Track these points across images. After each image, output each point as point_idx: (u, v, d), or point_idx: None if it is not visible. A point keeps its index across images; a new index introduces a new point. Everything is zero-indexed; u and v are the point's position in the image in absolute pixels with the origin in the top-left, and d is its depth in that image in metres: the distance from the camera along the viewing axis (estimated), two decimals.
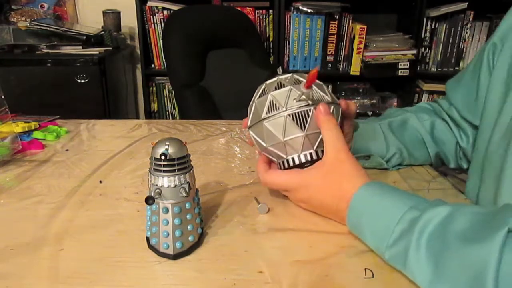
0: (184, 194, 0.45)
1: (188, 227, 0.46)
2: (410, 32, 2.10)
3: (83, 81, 1.89)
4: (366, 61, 2.11)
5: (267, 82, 0.54)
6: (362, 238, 0.47)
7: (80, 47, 1.95)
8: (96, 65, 1.88)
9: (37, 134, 0.85)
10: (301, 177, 0.52)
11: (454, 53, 2.18)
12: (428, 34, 2.14)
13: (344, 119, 0.58)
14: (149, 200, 0.44)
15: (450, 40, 2.16)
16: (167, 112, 2.33)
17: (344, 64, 2.20)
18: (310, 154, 0.53)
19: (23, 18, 2.17)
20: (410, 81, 2.21)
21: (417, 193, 0.56)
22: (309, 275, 0.43)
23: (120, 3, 2.18)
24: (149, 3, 2.10)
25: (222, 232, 0.51)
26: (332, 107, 0.53)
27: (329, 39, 2.15)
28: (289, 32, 2.15)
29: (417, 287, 0.40)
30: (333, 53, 2.18)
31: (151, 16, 2.12)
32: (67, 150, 0.80)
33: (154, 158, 0.45)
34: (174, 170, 0.44)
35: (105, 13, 2.12)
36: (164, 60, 2.09)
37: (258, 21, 2.15)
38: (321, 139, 0.52)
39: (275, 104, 0.51)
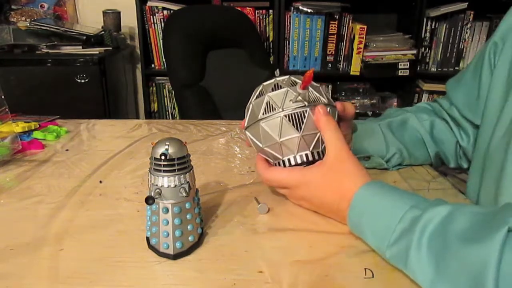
0: (184, 194, 0.45)
1: (188, 227, 0.46)
2: (410, 32, 2.10)
3: (83, 81, 1.89)
4: (366, 61, 2.11)
5: (264, 83, 0.55)
6: (363, 237, 0.47)
7: (80, 47, 1.95)
8: (96, 65, 1.88)
9: (37, 134, 0.85)
10: (302, 174, 0.52)
11: (454, 53, 2.18)
12: (428, 34, 2.14)
13: (341, 121, 0.59)
14: (149, 200, 0.44)
15: (450, 40, 2.16)
16: (167, 112, 2.33)
17: (344, 64, 2.20)
18: (306, 155, 0.53)
19: (23, 18, 2.17)
20: (410, 81, 2.21)
21: (417, 193, 0.56)
22: (309, 275, 0.43)
23: (120, 3, 2.18)
24: (149, 3, 2.10)
25: (222, 232, 0.51)
26: (328, 108, 0.53)
27: (329, 39, 2.15)
28: (289, 32, 2.15)
29: (417, 287, 0.40)
30: (333, 53, 2.18)
31: (151, 16, 2.12)
32: (67, 150, 0.80)
33: (154, 158, 0.45)
34: (174, 170, 0.44)
35: (105, 13, 2.12)
36: (164, 60, 2.09)
37: (258, 21, 2.15)
38: (317, 140, 0.53)
39: (272, 105, 0.52)
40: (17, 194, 0.61)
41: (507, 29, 0.60)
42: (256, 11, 2.13)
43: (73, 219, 0.54)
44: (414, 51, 2.09)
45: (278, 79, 0.54)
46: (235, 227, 0.52)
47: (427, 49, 2.18)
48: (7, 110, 0.75)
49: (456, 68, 2.21)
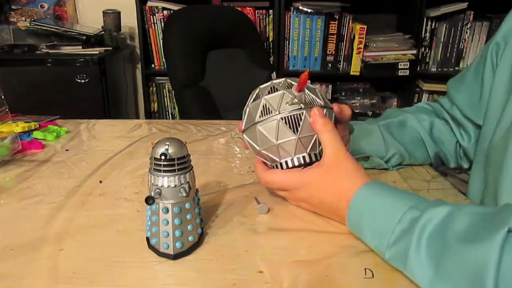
0: (184, 194, 0.45)
1: (188, 227, 0.46)
2: (410, 32, 2.10)
3: (83, 81, 1.89)
4: (366, 61, 2.11)
5: (261, 86, 0.55)
6: (362, 237, 0.47)
7: (80, 47, 1.95)
8: (96, 65, 1.88)
9: (37, 134, 0.85)
10: (301, 176, 0.52)
11: (454, 53, 2.18)
12: (428, 34, 2.14)
13: (338, 123, 0.59)
14: (149, 200, 0.44)
15: (450, 40, 2.16)
16: (167, 112, 2.33)
17: (344, 64, 2.20)
18: (303, 157, 0.53)
19: (23, 18, 2.17)
20: (410, 81, 2.21)
21: (417, 193, 0.56)
22: (309, 275, 0.43)
23: (120, 3, 2.18)
24: (149, 3, 2.10)
25: (222, 232, 0.51)
26: (325, 110, 0.53)
27: (329, 39, 2.15)
28: (289, 32, 2.15)
29: (417, 287, 0.40)
30: (333, 53, 2.18)
31: (151, 16, 2.12)
32: (67, 150, 0.80)
33: (154, 158, 0.45)
34: (174, 170, 0.44)
35: (105, 13, 2.12)
36: (164, 60, 2.09)
37: (258, 21, 2.15)
38: (314, 142, 0.53)
39: (268, 108, 0.52)
40: (17, 194, 0.61)
41: (509, 30, 0.60)
42: (256, 11, 2.13)
43: (73, 219, 0.54)
44: (414, 51, 2.09)
45: (274, 81, 0.54)
46: (235, 227, 0.52)
47: (427, 49, 2.18)
48: (7, 110, 0.75)
49: (456, 68, 2.21)
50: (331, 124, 0.52)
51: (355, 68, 2.16)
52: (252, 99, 0.55)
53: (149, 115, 2.31)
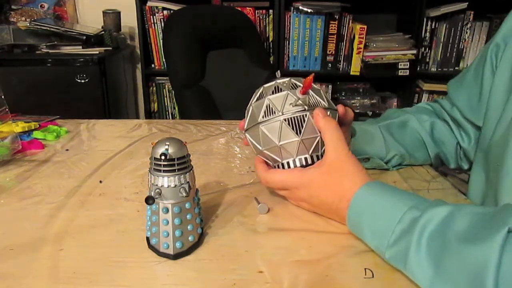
0: (184, 194, 0.45)
1: (188, 227, 0.46)
2: (410, 32, 2.10)
3: (83, 81, 1.89)
4: (366, 61, 2.11)
5: (265, 85, 0.55)
6: (362, 237, 0.47)
7: (80, 47, 1.94)
8: (96, 65, 1.88)
9: (37, 134, 0.85)
10: (302, 176, 0.52)
11: (454, 53, 2.18)
12: (428, 34, 2.14)
13: (340, 125, 0.58)
14: (149, 200, 0.44)
15: (450, 40, 2.16)
16: (167, 112, 2.33)
17: (344, 64, 2.20)
18: (305, 158, 0.53)
19: (23, 18, 2.17)
20: (410, 81, 2.20)
21: (417, 193, 0.56)
22: (309, 275, 0.43)
23: (120, 3, 2.18)
24: (149, 3, 2.10)
25: (222, 232, 0.51)
26: (328, 112, 0.53)
27: (329, 39, 2.15)
28: (289, 32, 2.15)
29: (417, 287, 0.40)
30: (333, 53, 2.18)
31: (151, 16, 2.12)
32: (67, 150, 0.80)
33: (154, 158, 0.45)
34: (174, 170, 0.44)
35: (105, 13, 2.12)
36: (164, 60, 2.09)
37: (258, 21, 2.15)
38: (317, 144, 0.53)
39: (272, 109, 0.52)
40: (17, 194, 0.61)
41: (509, 31, 0.60)
42: (256, 11, 2.13)
43: (73, 219, 0.54)
44: (414, 51, 2.09)
45: (278, 81, 0.54)
46: (235, 227, 0.52)
47: (427, 49, 2.17)
48: (7, 110, 0.75)
49: (456, 68, 2.21)
50: (334, 122, 0.52)
51: (355, 68, 2.16)
52: (255, 98, 0.55)
53: (149, 115, 2.31)
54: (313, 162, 0.53)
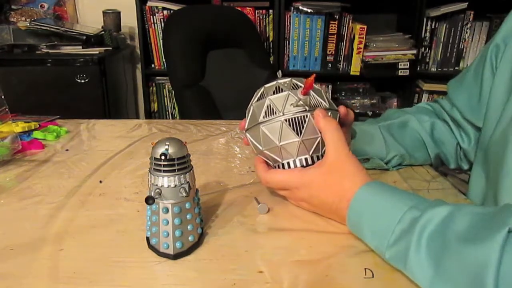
0: (184, 194, 0.45)
1: (188, 227, 0.46)
2: (410, 32, 2.10)
3: (83, 81, 1.89)
4: (366, 61, 2.11)
5: (266, 85, 0.55)
6: (362, 237, 0.47)
7: (80, 47, 1.95)
8: (96, 65, 1.88)
9: (37, 134, 0.85)
10: (303, 176, 0.52)
11: (454, 53, 2.18)
12: (428, 34, 2.14)
13: (341, 126, 0.58)
14: (149, 200, 0.44)
15: (450, 40, 2.16)
16: (167, 112, 2.33)
17: (344, 64, 2.20)
18: (306, 159, 0.53)
19: (23, 18, 2.17)
20: (410, 81, 2.20)
21: (417, 193, 0.56)
22: (309, 275, 0.43)
23: (120, 3, 2.18)
24: (149, 3, 2.10)
25: (222, 232, 0.51)
26: (329, 113, 0.53)
27: (329, 39, 2.15)
28: (289, 32, 2.15)
29: (417, 287, 0.40)
30: (333, 53, 2.18)
31: (151, 16, 2.12)
32: (67, 150, 0.80)
33: (154, 158, 0.45)
34: (174, 170, 0.44)
35: (105, 13, 2.12)
36: (164, 60, 2.09)
37: (258, 21, 2.15)
38: (317, 144, 0.53)
39: (272, 109, 0.52)
40: (17, 194, 0.61)
41: (509, 31, 0.60)
42: (256, 11, 2.13)
43: (73, 219, 0.54)
44: (414, 51, 2.09)
45: (279, 81, 0.54)
46: (235, 227, 0.52)
47: (427, 49, 2.17)
48: (7, 110, 0.75)
49: (456, 68, 2.21)
50: (335, 122, 0.52)
51: (355, 68, 2.16)
52: (256, 98, 0.55)
53: (149, 115, 2.31)
54: (313, 163, 0.53)
